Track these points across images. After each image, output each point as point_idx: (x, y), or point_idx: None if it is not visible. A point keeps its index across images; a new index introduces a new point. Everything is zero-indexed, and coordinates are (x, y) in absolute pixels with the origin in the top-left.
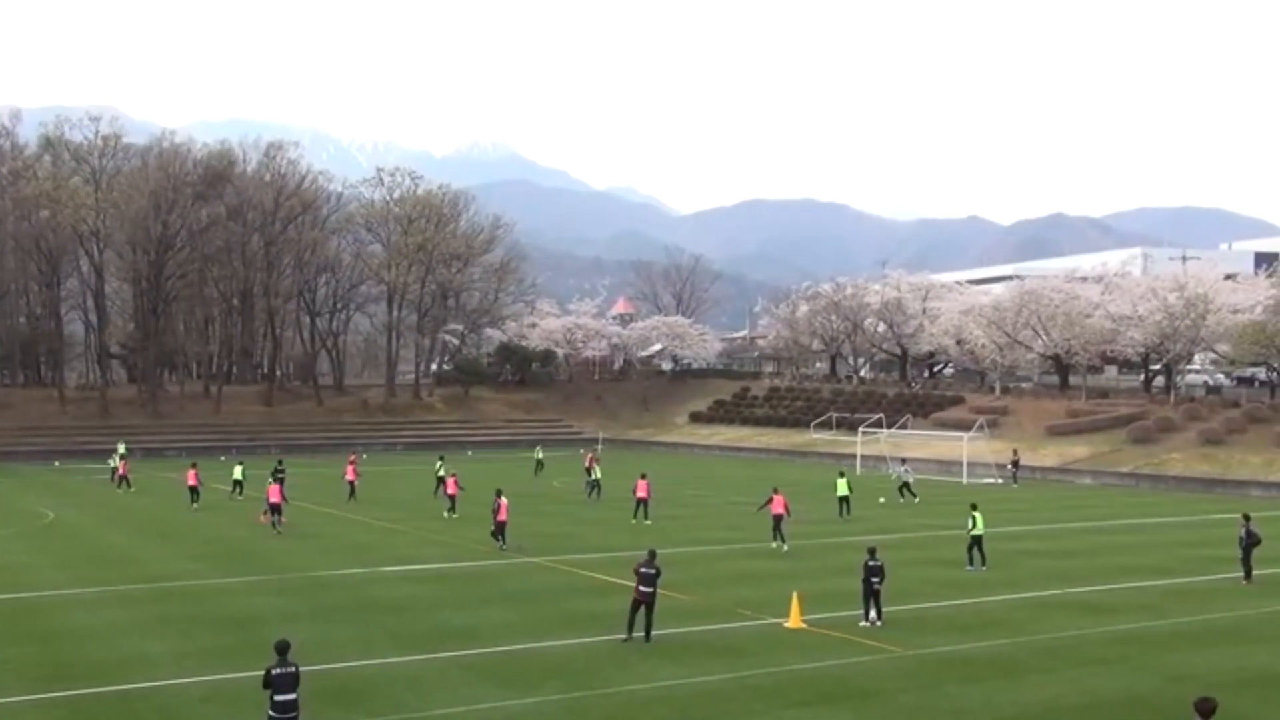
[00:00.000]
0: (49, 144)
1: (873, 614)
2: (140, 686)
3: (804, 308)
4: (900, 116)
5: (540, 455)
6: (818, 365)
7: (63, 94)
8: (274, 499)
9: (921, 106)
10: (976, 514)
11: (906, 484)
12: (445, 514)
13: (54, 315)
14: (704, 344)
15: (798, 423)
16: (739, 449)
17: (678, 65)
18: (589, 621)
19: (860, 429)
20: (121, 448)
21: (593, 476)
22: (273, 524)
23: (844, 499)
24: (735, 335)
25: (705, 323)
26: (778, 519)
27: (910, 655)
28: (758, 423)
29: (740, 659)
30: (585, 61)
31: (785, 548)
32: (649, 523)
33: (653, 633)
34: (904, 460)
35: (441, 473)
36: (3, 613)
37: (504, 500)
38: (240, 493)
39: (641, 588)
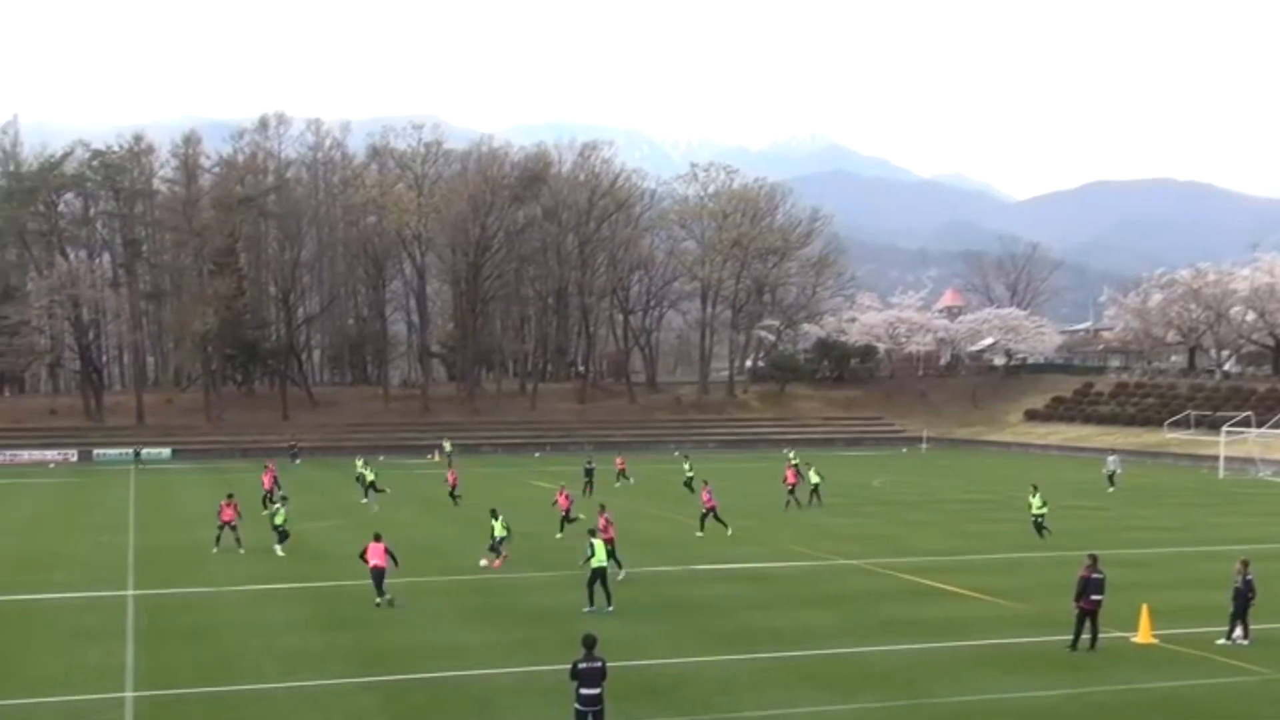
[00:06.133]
0: (375, 153)
1: (1238, 631)
2: (453, 675)
3: (1157, 296)
4: (1272, 80)
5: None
6: (1173, 359)
7: (388, 105)
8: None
9: None
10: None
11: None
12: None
13: (379, 316)
14: (1041, 337)
15: (1149, 421)
16: (1080, 449)
17: (1008, 41)
18: (911, 627)
19: (1224, 428)
20: (447, 445)
21: (813, 481)
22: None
23: (1039, 518)
24: (1076, 328)
25: (1042, 315)
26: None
27: None
28: (1101, 421)
29: (1081, 674)
30: (906, 45)
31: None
32: (700, 534)
33: (1095, 639)
34: (1113, 451)
35: (796, 461)
36: (329, 599)
37: (380, 544)
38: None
39: (1093, 596)
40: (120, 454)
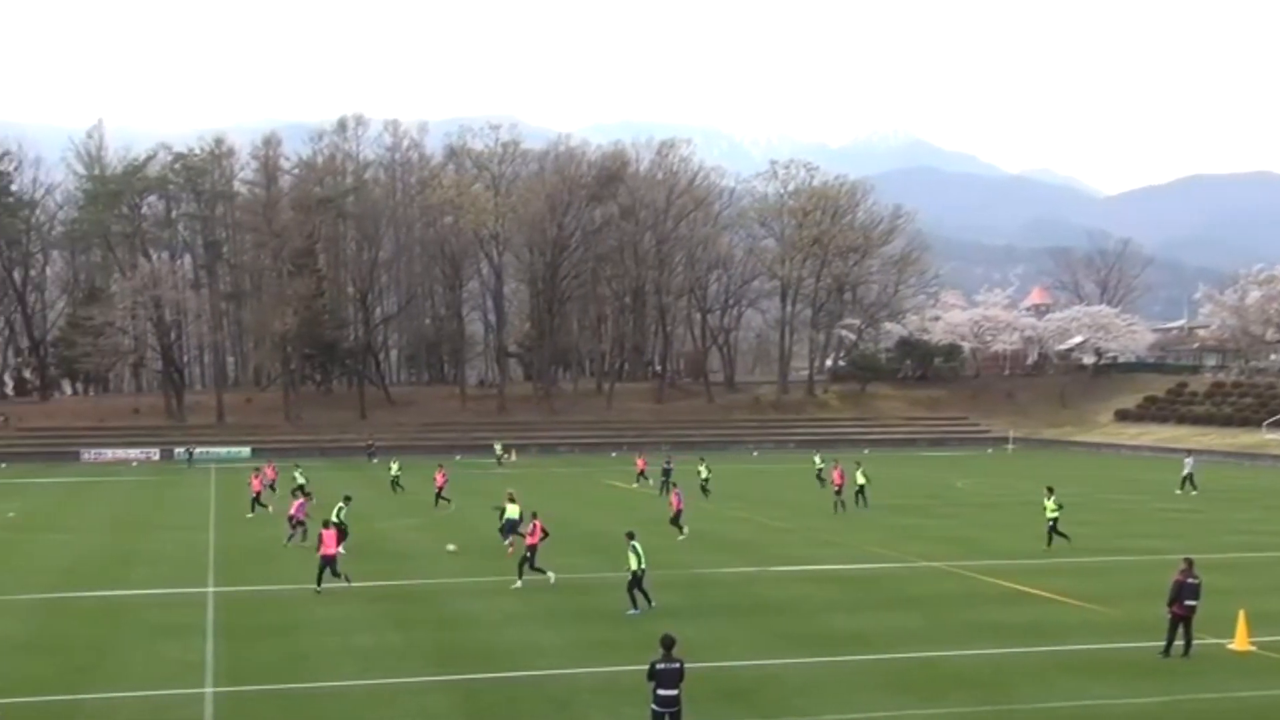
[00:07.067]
0: (453, 153)
1: None
2: (530, 674)
3: (1256, 293)
4: None
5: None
6: (1272, 358)
7: (465, 106)
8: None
9: None
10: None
11: (1189, 476)
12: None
13: (456, 316)
14: (1132, 336)
15: (1246, 422)
16: (1173, 450)
17: (1097, 32)
18: (997, 631)
19: None
20: (497, 447)
21: (859, 482)
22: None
23: (1053, 522)
24: (1170, 326)
25: (1134, 312)
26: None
27: None
28: (1196, 421)
29: (1175, 681)
30: (990, 38)
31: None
32: (682, 537)
33: (1189, 646)
34: (1190, 452)
35: (822, 465)
36: (407, 597)
37: (331, 532)
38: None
39: (1187, 601)
40: (201, 452)
